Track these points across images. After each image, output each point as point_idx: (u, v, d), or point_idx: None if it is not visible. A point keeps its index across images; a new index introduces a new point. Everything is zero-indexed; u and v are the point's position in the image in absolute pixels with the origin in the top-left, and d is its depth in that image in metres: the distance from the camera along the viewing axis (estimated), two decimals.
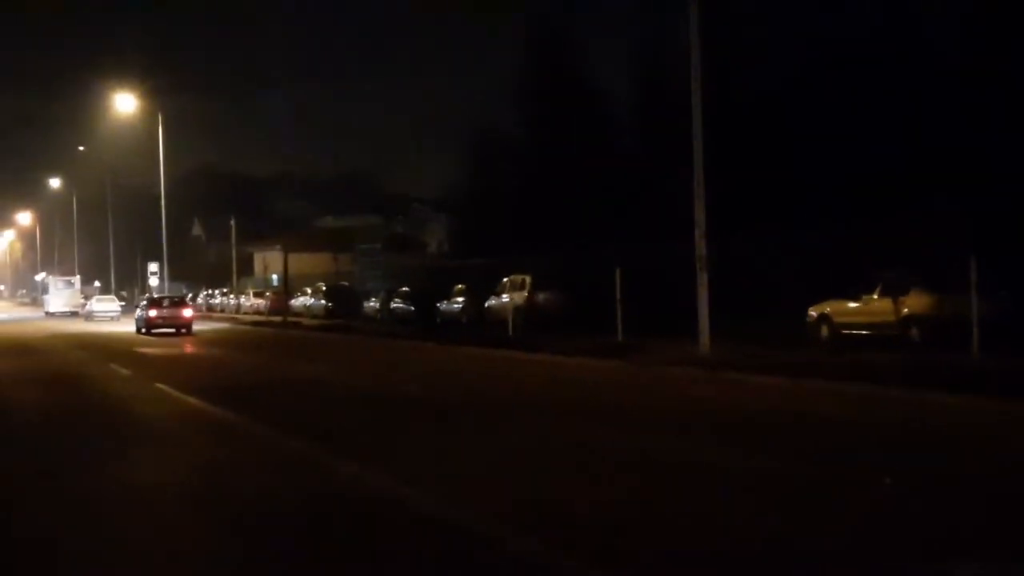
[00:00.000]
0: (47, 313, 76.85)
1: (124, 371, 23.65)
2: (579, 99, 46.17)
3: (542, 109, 47.83)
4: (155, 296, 48.92)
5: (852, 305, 23.15)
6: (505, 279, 36.65)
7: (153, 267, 67.81)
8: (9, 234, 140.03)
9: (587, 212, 41.04)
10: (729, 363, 19.53)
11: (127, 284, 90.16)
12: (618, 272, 25.39)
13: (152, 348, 32.34)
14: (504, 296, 35.87)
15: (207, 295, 79.66)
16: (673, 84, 33.14)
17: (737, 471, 9.93)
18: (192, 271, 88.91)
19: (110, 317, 61.76)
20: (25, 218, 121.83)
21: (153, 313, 42.07)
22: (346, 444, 12.20)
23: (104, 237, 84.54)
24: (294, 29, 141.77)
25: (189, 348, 32.92)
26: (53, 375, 23.68)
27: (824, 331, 23.60)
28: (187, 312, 43.50)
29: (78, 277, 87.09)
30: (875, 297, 22.54)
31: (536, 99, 48.40)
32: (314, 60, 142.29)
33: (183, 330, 41.65)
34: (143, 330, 42.10)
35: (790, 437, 12.29)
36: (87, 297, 74.71)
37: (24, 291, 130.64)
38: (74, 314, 71.18)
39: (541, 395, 17.71)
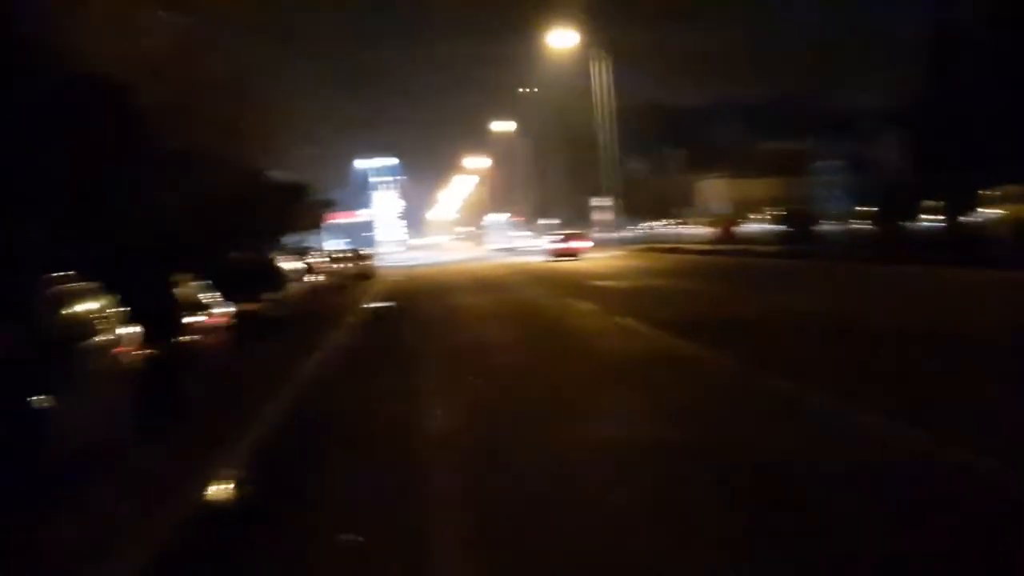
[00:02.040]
0: (490, 251, 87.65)
1: (583, 305, 22.61)
2: None
3: None
4: (560, 232, 61.75)
5: None
6: (994, 191, 31.99)
7: (596, 201, 69.05)
8: (468, 178, 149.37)
9: None
10: None
11: (577, 219, 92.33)
12: None
13: (605, 281, 31.47)
14: (995, 210, 31.32)
15: (650, 227, 79.61)
16: None
17: None
18: (635, 203, 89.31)
19: (533, 250, 69.04)
20: (483, 161, 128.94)
21: (555, 245, 55.40)
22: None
23: (555, 175, 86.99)
24: None
25: (641, 280, 31.62)
26: (516, 310, 23.24)
27: None
28: (578, 243, 55.60)
29: (509, 217, 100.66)
30: None
31: None
32: None
33: (576, 256, 52.49)
34: (550, 258, 52.55)
35: None
36: (527, 234, 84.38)
37: (478, 231, 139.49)
38: (508, 249, 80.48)
39: None
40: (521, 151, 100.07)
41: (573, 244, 55.38)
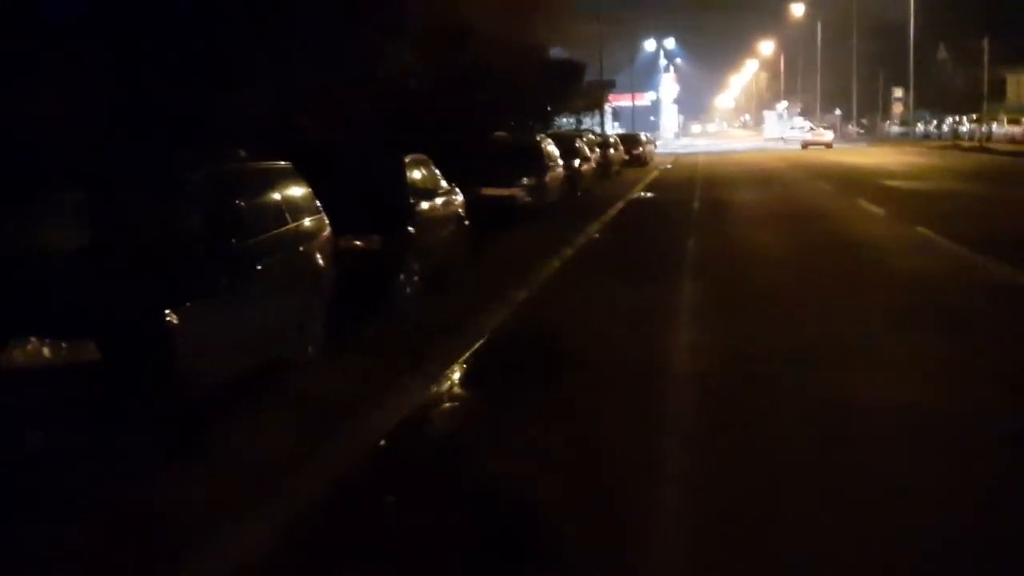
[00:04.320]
0: (767, 140, 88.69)
1: (875, 208, 19.84)
2: None
3: None
4: (810, 126, 71.13)
5: None
6: None
7: (897, 92, 63.99)
8: (752, 64, 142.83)
9: None
10: None
11: (868, 112, 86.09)
12: None
13: (900, 181, 28.05)
14: None
15: (954, 123, 73.12)
16: None
17: None
18: (936, 98, 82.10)
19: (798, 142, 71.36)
20: (768, 47, 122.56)
21: (808, 136, 65.50)
22: None
23: (847, 64, 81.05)
24: None
25: (942, 183, 27.95)
26: (797, 210, 20.79)
27: None
28: (828, 136, 64.68)
29: (785, 107, 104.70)
30: None
31: None
32: None
33: (827, 146, 61.05)
34: (802, 147, 62.12)
35: None
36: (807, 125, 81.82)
37: (757, 120, 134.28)
38: (785, 140, 79.55)
39: None
40: (811, 37, 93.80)
41: (822, 136, 64.39)
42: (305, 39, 10.74)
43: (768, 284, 11.64)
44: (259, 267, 6.61)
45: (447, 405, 7.18)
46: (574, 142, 27.65)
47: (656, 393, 7.07)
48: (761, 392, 7.00)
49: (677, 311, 10.12)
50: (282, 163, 7.75)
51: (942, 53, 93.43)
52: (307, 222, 7.79)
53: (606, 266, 14.05)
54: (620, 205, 23.76)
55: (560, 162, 23.52)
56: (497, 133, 24.43)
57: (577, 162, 26.09)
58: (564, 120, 48.08)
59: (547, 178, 21.17)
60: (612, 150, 38.00)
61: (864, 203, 20.93)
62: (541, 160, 21.40)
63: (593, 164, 29.87)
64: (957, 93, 77.25)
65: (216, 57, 10.28)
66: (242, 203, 6.70)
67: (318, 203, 8.17)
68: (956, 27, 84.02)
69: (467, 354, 8.52)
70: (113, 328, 5.12)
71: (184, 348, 5.48)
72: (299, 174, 7.92)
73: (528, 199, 19.88)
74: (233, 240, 6.21)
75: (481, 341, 9.05)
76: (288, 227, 7.33)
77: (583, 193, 25.89)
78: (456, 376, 7.85)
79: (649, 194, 28.09)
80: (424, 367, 7.85)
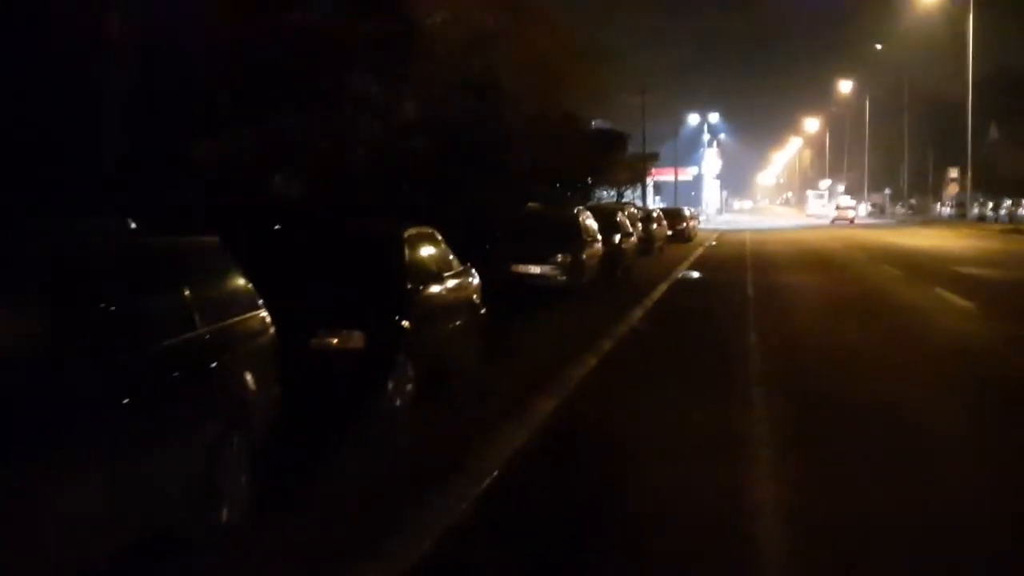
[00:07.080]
0: (809, 217, 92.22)
1: (961, 301, 17.19)
2: None
3: None
4: (840, 205, 78.76)
5: None
6: None
7: (952, 173, 61.85)
8: (796, 141, 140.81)
9: None
10: None
11: (917, 191, 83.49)
12: None
13: (970, 268, 25.28)
14: None
15: (1010, 207, 70.47)
16: None
17: None
18: (988, 179, 79.46)
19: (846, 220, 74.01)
20: (813, 124, 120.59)
21: (834, 213, 74.60)
22: None
23: (894, 143, 78.83)
24: None
25: (1017, 271, 25.20)
26: (864, 300, 18.23)
27: None
28: (851, 213, 73.42)
29: (828, 185, 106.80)
30: None
31: None
32: None
33: (850, 221, 68.89)
34: (831, 222, 69.24)
35: None
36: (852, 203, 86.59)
37: (800, 197, 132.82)
38: (830, 218, 79.44)
39: None
40: (858, 115, 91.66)
41: (847, 213, 72.75)
42: (281, 79, 8.46)
43: (863, 406, 9.03)
44: (126, 400, 4.20)
45: None
46: (615, 215, 25.34)
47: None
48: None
49: (753, 445, 7.58)
50: (202, 239, 5.38)
51: (993, 134, 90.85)
52: (232, 324, 5.39)
53: (654, 367, 11.53)
54: (665, 287, 21.32)
55: (599, 237, 21.23)
56: (530, 204, 22.23)
57: (618, 237, 23.76)
58: (604, 193, 45.94)
59: (584, 255, 18.89)
60: (655, 225, 35.63)
61: (946, 294, 18.30)
62: (578, 235, 19.15)
63: (635, 240, 27.52)
64: (1010, 174, 74.63)
65: (169, 98, 8.01)
66: (107, 304, 4.30)
67: (257, 297, 5.78)
68: (1007, 107, 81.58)
69: (464, 506, 6.12)
70: None
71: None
72: (227, 254, 5.55)
73: (563, 278, 17.68)
74: (75, 362, 3.80)
75: (487, 481, 6.65)
76: (194, 334, 4.92)
77: (624, 272, 23.49)
78: (440, 553, 5.41)
79: (696, 274, 25.65)
80: (397, 535, 5.43)
